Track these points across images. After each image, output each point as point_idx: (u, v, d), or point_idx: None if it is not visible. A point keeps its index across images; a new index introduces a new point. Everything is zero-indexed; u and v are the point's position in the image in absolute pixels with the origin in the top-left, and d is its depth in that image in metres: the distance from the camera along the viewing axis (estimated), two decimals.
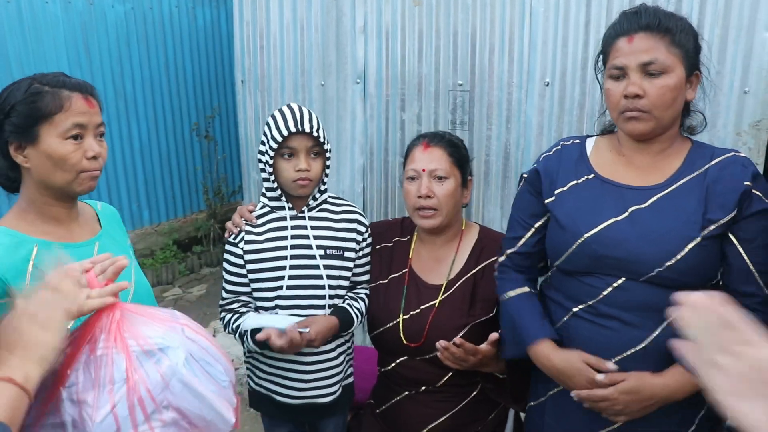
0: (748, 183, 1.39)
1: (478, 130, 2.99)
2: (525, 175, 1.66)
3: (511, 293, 1.64)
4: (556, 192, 1.55)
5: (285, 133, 1.80)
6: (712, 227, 1.38)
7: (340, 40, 3.31)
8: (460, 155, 1.87)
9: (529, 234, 1.63)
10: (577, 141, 1.62)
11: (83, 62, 4.79)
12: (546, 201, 1.57)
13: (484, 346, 1.68)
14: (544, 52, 2.74)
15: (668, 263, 1.37)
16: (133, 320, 0.97)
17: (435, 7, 2.98)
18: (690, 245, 1.37)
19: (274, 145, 1.81)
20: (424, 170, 1.83)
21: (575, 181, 1.54)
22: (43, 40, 4.54)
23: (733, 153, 1.46)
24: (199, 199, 5.84)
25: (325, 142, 1.86)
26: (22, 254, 1.29)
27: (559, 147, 1.63)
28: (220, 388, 1.01)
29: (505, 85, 2.87)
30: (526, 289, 1.63)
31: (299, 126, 1.79)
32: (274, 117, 1.84)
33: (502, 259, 1.70)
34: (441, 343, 1.67)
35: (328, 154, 1.89)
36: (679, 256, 1.37)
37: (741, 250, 1.40)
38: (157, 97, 5.38)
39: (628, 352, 1.42)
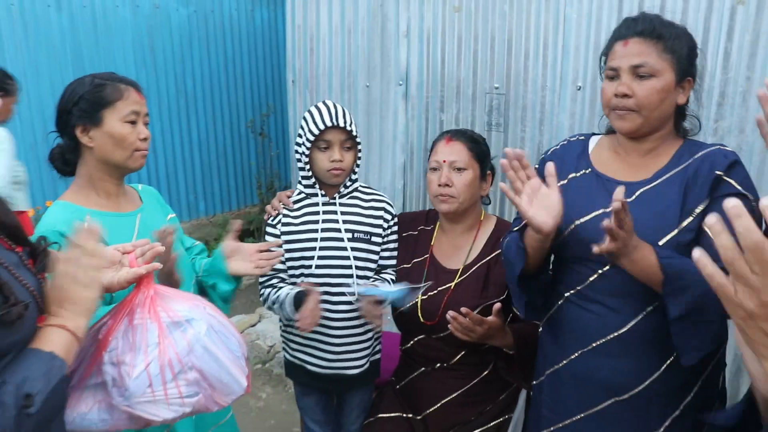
0: (719, 171, 1.44)
1: (512, 132, 3.09)
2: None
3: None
4: (558, 184, 1.66)
5: (321, 127, 1.96)
6: (690, 218, 1.45)
7: (385, 44, 3.46)
8: (479, 150, 2.01)
9: None
10: (582, 138, 1.73)
11: (148, 61, 5.09)
12: None
13: (490, 318, 1.81)
14: (576, 57, 2.81)
15: None
16: (165, 297, 1.16)
17: (474, 13, 3.09)
18: (668, 236, 1.45)
19: (311, 138, 1.98)
20: (444, 161, 1.97)
21: (574, 174, 1.65)
22: (113, 40, 4.87)
23: (718, 146, 1.52)
24: (252, 193, 6.05)
25: (357, 136, 2.02)
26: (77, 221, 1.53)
27: (566, 142, 1.75)
28: (234, 357, 1.18)
29: (539, 89, 2.96)
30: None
31: (334, 121, 1.96)
32: (311, 112, 2.00)
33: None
34: (450, 314, 1.81)
35: (359, 147, 2.05)
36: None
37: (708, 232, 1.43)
38: (216, 95, 5.62)
39: (610, 336, 1.53)
